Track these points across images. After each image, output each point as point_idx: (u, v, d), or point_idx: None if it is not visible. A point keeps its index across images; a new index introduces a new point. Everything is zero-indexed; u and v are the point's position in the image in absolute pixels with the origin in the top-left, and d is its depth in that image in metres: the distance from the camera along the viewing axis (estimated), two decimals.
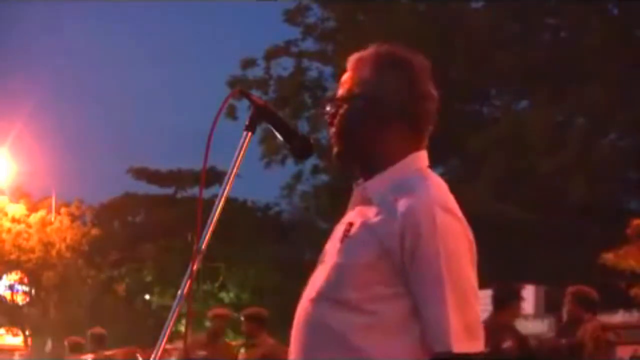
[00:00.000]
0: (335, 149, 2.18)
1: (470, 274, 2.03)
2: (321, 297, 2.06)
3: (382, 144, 2.12)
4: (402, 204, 2.01)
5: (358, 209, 2.12)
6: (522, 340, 6.89)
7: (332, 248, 2.12)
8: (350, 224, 2.09)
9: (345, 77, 2.19)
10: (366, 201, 2.11)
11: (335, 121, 2.16)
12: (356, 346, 1.99)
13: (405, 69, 2.17)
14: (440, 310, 1.96)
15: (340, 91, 2.18)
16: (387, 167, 2.11)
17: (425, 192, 2.03)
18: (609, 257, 17.96)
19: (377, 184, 2.10)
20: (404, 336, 2.00)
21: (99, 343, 10.02)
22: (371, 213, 2.06)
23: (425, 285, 1.98)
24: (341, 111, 2.15)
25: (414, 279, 1.99)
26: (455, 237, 2.02)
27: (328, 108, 2.19)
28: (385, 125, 2.12)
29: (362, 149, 2.14)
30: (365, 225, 2.05)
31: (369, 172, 2.13)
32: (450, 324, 1.96)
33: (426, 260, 1.98)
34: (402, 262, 1.99)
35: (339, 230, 2.14)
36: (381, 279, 2.01)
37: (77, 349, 10.24)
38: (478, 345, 2.01)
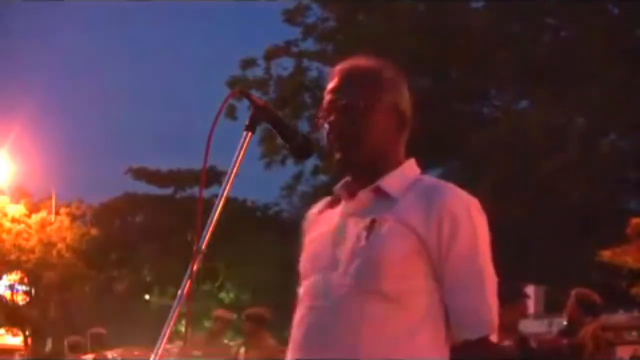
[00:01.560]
0: (345, 155, 2.20)
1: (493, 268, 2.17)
2: (357, 290, 2.08)
3: (394, 150, 2.23)
4: (434, 198, 2.11)
5: (367, 209, 2.17)
6: (522, 340, 6.88)
7: (350, 247, 2.13)
8: (374, 221, 2.12)
9: (354, 84, 2.22)
10: (380, 199, 2.16)
11: (353, 128, 2.19)
12: (399, 337, 2.07)
13: (405, 81, 2.30)
14: (482, 299, 2.11)
15: (359, 100, 2.20)
16: (393, 168, 2.20)
17: (453, 188, 2.16)
18: (606, 254, 17.96)
19: (393, 182, 2.18)
20: (434, 326, 2.10)
21: (99, 343, 10.02)
22: (398, 208, 2.13)
23: (465, 274, 2.09)
24: (365, 119, 2.20)
25: (451, 268, 2.09)
26: (485, 232, 2.16)
27: (338, 115, 2.21)
28: (400, 132, 2.25)
29: (378, 155, 2.21)
30: (397, 220, 2.11)
31: (375, 175, 2.20)
32: (491, 312, 2.11)
33: (466, 251, 2.09)
34: (438, 252, 2.08)
35: (348, 232, 2.16)
36: (418, 271, 2.09)
37: (77, 349, 10.24)
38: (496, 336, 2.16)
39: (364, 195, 2.20)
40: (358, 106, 2.19)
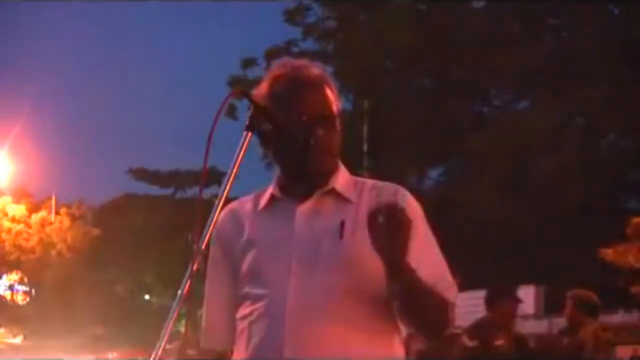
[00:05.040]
0: (322, 165, 2.21)
1: None
2: (345, 292, 2.11)
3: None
4: (393, 197, 2.17)
5: (329, 211, 2.18)
6: (519, 339, 6.88)
7: (329, 248, 2.14)
8: (343, 223, 2.15)
9: (327, 95, 2.22)
10: (338, 201, 2.20)
11: (331, 138, 2.20)
12: (383, 330, 2.15)
13: None
14: (443, 271, 2.22)
15: (332, 108, 2.22)
16: (337, 169, 2.24)
17: (398, 186, 2.24)
18: (608, 252, 17.98)
19: (343, 184, 2.23)
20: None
21: (99, 343, 10.03)
22: (362, 210, 2.15)
23: (427, 256, 2.18)
24: (337, 128, 2.22)
25: (414, 256, 2.12)
26: None
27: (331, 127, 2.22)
28: None
29: (337, 160, 2.25)
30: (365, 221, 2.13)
31: (327, 177, 2.22)
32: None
33: (425, 240, 2.20)
34: None
35: (316, 235, 2.16)
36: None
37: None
38: None
39: (321, 197, 2.20)
40: (336, 115, 2.21)
